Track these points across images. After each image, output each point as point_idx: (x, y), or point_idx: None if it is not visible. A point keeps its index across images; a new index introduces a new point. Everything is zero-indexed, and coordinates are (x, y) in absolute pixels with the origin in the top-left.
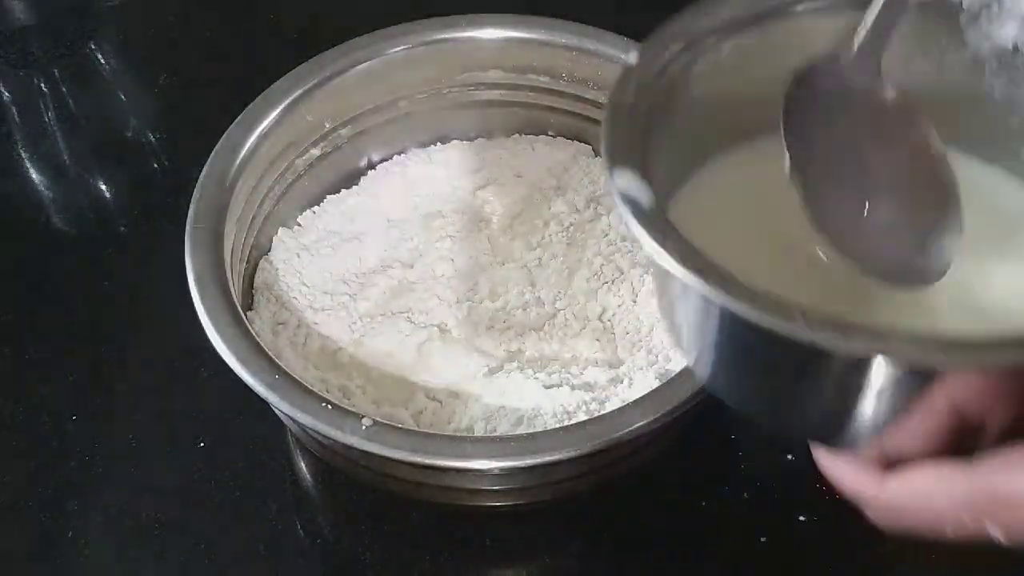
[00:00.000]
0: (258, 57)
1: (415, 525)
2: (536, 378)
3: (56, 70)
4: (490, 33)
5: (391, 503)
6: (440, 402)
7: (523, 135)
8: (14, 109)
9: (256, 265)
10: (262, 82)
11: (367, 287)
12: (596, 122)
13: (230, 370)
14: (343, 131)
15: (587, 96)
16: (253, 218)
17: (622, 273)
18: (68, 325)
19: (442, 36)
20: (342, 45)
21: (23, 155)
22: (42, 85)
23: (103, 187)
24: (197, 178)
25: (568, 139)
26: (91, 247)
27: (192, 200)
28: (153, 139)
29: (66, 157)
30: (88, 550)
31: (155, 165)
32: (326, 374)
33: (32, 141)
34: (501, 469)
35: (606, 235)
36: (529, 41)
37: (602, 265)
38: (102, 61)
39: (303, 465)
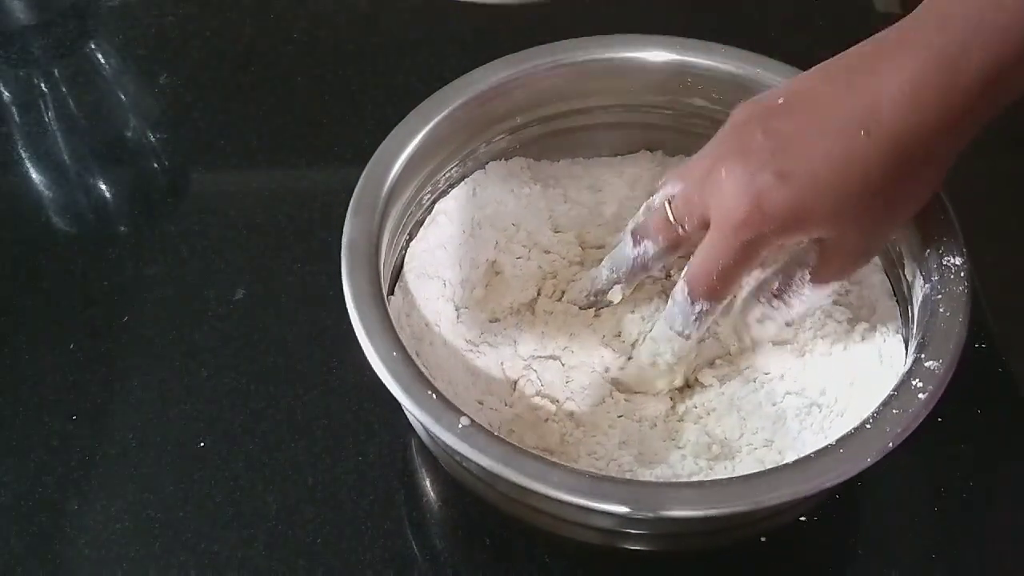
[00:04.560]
0: (258, 57)
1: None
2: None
3: (56, 70)
4: (653, 55)
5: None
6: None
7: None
8: (14, 109)
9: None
10: (262, 82)
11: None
12: None
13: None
14: (482, 149)
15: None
16: (401, 230)
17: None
18: (68, 325)
19: (600, 56)
20: (498, 60)
21: (23, 155)
22: (42, 85)
23: (103, 187)
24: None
25: None
26: (91, 247)
27: (348, 210)
28: (153, 139)
29: (66, 157)
30: (88, 550)
31: (155, 165)
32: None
33: (32, 141)
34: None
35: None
36: (689, 64)
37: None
38: (102, 61)
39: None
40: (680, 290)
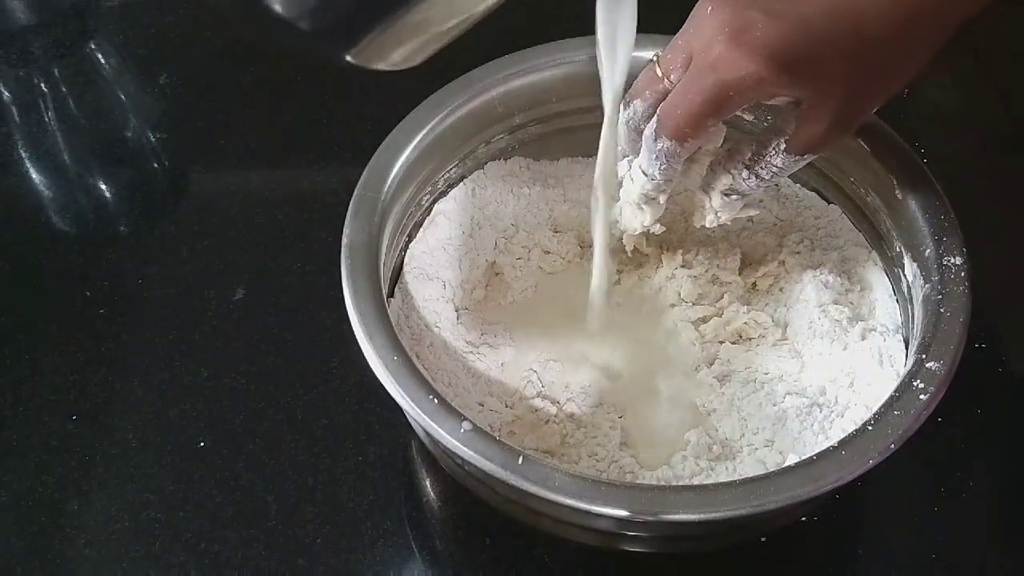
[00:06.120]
0: (258, 57)
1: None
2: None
3: (56, 70)
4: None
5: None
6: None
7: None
8: (14, 109)
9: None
10: (262, 82)
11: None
12: None
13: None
14: (481, 149)
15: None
16: (400, 231)
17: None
18: (68, 325)
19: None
20: (498, 60)
21: (23, 155)
22: (42, 85)
23: (103, 187)
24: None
25: None
26: (91, 247)
27: (348, 212)
28: (153, 139)
29: (66, 157)
30: (88, 550)
31: (155, 165)
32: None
33: (32, 141)
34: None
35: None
36: None
37: (772, 282)
38: (102, 61)
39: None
40: (649, 125)
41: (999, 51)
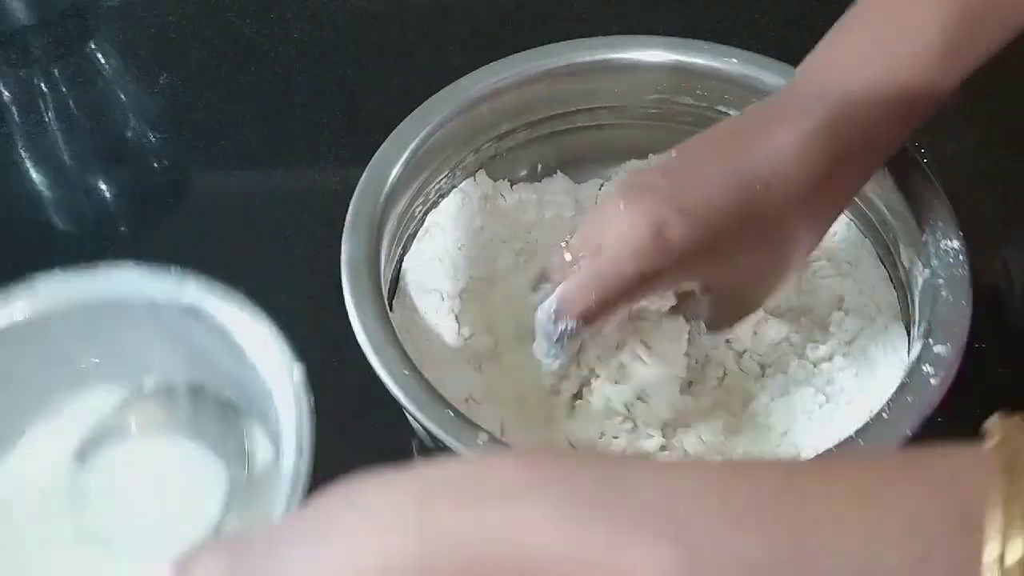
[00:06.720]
0: (258, 57)
1: None
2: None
3: (56, 70)
4: (651, 56)
5: None
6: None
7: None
8: (14, 109)
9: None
10: (262, 82)
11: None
12: None
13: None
14: (470, 158)
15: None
16: (396, 244)
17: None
18: None
19: (596, 58)
20: (484, 68)
21: (23, 155)
22: (42, 85)
23: (103, 187)
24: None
25: None
26: (91, 247)
27: (345, 228)
28: (153, 139)
29: (66, 157)
30: None
31: (155, 165)
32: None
33: (32, 141)
34: None
35: None
36: (687, 65)
37: None
38: (102, 61)
39: None
40: (543, 310)
41: (1000, 50)
